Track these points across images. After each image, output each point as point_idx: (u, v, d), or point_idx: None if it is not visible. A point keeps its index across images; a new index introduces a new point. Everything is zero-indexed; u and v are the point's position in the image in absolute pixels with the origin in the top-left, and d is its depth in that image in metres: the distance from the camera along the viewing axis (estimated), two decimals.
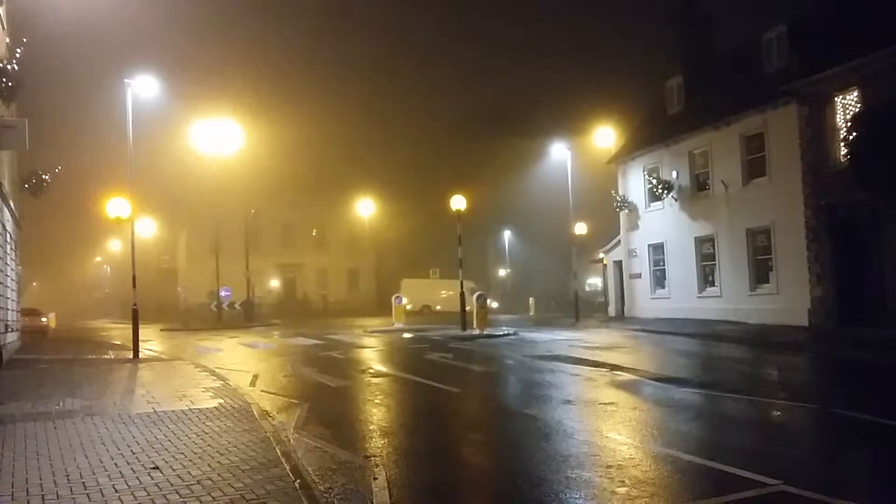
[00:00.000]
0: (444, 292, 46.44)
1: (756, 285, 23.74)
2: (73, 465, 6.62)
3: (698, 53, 29.22)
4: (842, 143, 18.91)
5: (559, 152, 33.34)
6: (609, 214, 32.60)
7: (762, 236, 23.53)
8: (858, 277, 19.37)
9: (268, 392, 11.68)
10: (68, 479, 6.15)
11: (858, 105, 18.96)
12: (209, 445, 7.32)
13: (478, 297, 24.49)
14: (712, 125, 25.10)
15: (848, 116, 19.00)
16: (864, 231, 19.11)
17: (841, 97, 19.83)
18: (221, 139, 36.52)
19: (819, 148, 20.45)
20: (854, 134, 16.82)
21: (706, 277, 26.35)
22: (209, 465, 6.49)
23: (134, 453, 7.02)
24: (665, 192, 27.55)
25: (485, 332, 23.35)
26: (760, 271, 23.69)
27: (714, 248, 25.69)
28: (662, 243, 28.55)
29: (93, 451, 7.13)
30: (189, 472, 6.29)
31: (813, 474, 6.45)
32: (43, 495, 5.73)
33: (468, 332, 23.95)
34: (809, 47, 21.33)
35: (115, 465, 6.59)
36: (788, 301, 21.77)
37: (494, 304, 43.91)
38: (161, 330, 32.76)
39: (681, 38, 30.26)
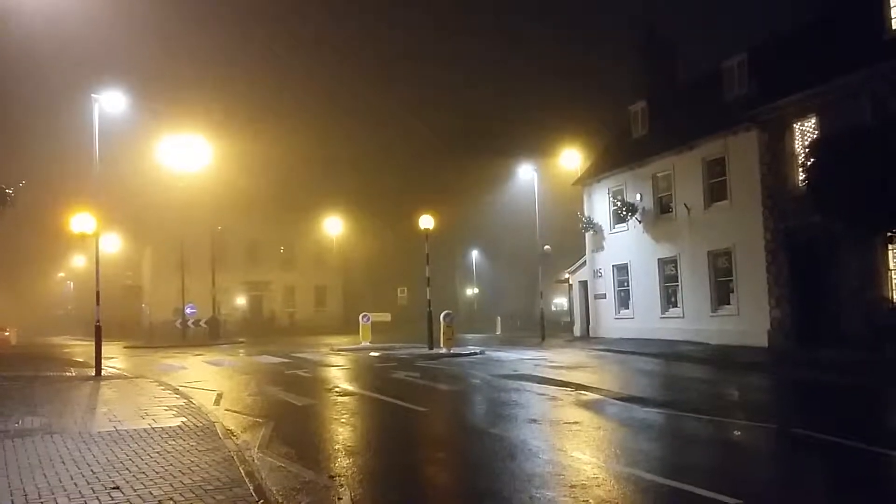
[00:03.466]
0: None
1: (717, 306, 24.14)
2: (31, 484, 6.50)
3: (662, 79, 29.96)
4: (800, 169, 19.37)
5: (526, 173, 33.71)
6: (575, 235, 32.99)
7: (723, 258, 23.95)
8: (815, 299, 19.82)
9: (232, 411, 11.57)
10: (26, 500, 6.04)
11: (816, 131, 19.50)
12: (171, 465, 7.24)
13: (444, 316, 24.52)
14: (675, 149, 25.61)
15: (806, 142, 19.50)
16: (822, 254, 19.59)
17: (799, 124, 20.39)
18: (189, 155, 36.19)
19: (778, 173, 20.99)
20: (812, 160, 17.26)
21: (669, 298, 26.73)
22: (171, 485, 6.43)
23: (94, 473, 6.92)
24: (629, 214, 27.95)
25: (452, 351, 23.36)
26: (722, 293, 24.10)
27: (677, 270, 26.10)
28: (627, 264, 28.92)
29: (52, 471, 7.01)
30: (150, 492, 6.22)
31: (772, 493, 6.63)
32: None
33: (435, 350, 23.97)
34: (769, 75, 21.93)
35: (75, 484, 6.49)
36: (748, 322, 22.16)
37: None
38: (125, 347, 32.21)
39: (645, 63, 30.98)
